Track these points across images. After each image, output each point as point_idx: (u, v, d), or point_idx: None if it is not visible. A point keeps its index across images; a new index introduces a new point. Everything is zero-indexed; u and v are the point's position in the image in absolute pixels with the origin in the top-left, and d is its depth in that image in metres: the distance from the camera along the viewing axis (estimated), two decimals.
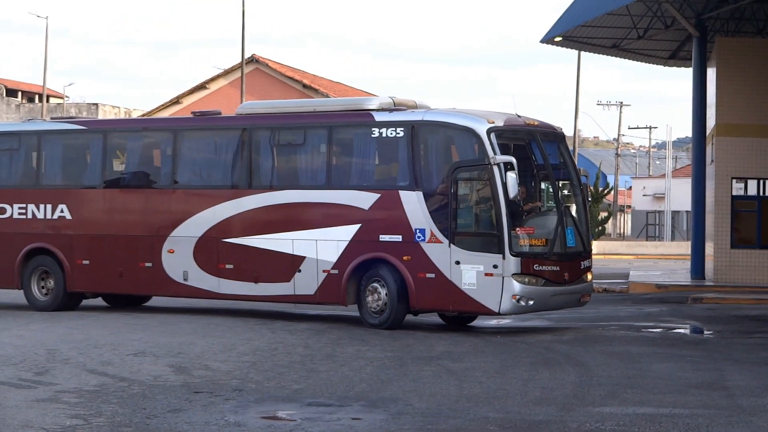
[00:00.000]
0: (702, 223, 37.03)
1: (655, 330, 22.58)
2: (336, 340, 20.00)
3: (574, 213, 21.76)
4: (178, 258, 23.45)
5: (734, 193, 36.43)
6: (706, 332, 22.71)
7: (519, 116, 21.46)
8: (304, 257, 22.01)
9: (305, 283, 22.06)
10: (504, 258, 19.83)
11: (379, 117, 21.46)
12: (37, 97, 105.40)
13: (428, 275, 20.62)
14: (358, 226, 21.42)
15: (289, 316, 23.99)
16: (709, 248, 36.66)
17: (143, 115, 61.13)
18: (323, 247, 21.78)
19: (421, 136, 20.96)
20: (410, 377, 15.85)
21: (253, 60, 60.82)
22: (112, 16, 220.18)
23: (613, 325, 22.89)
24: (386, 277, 21.06)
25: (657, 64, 45.44)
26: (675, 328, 23.08)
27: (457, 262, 20.29)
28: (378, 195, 21.32)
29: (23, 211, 25.25)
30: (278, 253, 22.32)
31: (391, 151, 21.58)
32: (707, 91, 37.15)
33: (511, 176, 19.61)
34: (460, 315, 21.90)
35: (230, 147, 23.49)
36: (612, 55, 43.38)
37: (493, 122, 20.44)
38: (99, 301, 26.07)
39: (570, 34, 39.30)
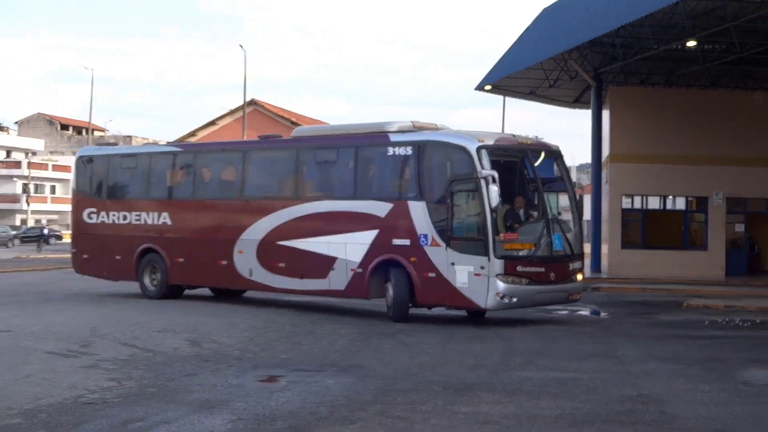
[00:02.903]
0: (599, 229, 37.20)
1: (562, 312, 22.52)
2: (316, 320, 19.89)
3: (568, 221, 19.92)
4: (245, 257, 22.49)
5: (624, 206, 36.66)
6: (602, 313, 22.71)
7: (514, 136, 19.86)
8: (336, 258, 20.64)
9: (337, 280, 20.68)
10: (489, 260, 18.18)
11: (393, 138, 20.07)
12: (84, 130, 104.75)
13: (430, 275, 19.00)
14: (377, 231, 19.95)
15: (279, 302, 23.86)
16: (605, 249, 36.81)
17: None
18: (351, 249, 20.40)
19: (425, 154, 19.42)
20: (373, 349, 15.75)
21: (252, 102, 60.75)
22: (146, 68, 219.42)
23: (530, 308, 22.81)
24: (393, 276, 19.61)
25: (564, 106, 45.66)
26: (578, 311, 23.03)
27: (453, 264, 18.64)
28: (392, 205, 19.80)
29: (138, 217, 24.88)
30: (317, 254, 21.00)
31: (402, 167, 19.93)
32: (603, 127, 37.35)
33: (493, 188, 17.97)
34: (457, 309, 19.99)
35: (284, 164, 22.39)
36: (530, 100, 43.56)
37: (483, 141, 18.74)
38: (204, 291, 25.56)
39: (497, 84, 39.48)
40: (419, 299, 19.43)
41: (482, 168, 18.37)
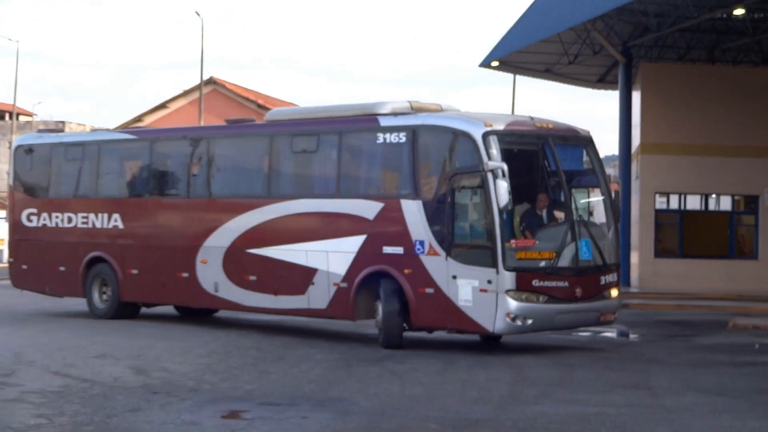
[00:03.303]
0: (627, 234, 37.20)
1: (584, 334, 22.52)
2: (286, 343, 19.86)
3: (600, 224, 19.44)
4: (210, 269, 21.97)
5: (657, 206, 36.74)
6: (631, 336, 22.73)
7: (532, 119, 19.20)
8: (317, 269, 20.12)
9: (318, 296, 20.13)
10: (498, 273, 17.56)
11: (384, 122, 19.47)
12: (7, 115, 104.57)
13: (427, 290, 18.44)
14: (365, 237, 19.44)
15: (242, 321, 23.81)
16: (635, 258, 36.85)
17: None
18: (333, 258, 19.85)
19: (421, 142, 18.89)
20: (356, 378, 15.73)
21: (211, 81, 60.66)
22: (82, 41, 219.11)
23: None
24: (382, 293, 19.03)
25: (586, 87, 45.73)
26: (603, 332, 23.05)
27: (454, 277, 18.07)
28: (382, 204, 19.29)
29: (86, 220, 24.45)
30: (294, 265, 20.47)
31: (395, 158, 19.38)
32: (632, 112, 37.42)
33: (501, 184, 17.33)
34: (459, 332, 19.42)
35: (254, 155, 22.00)
36: (545, 79, 43.60)
37: (491, 125, 18.12)
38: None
39: (506, 59, 39.49)
40: (414, 320, 18.90)
41: (489, 159, 17.81)
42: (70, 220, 24.82)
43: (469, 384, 15.21)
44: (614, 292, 19.12)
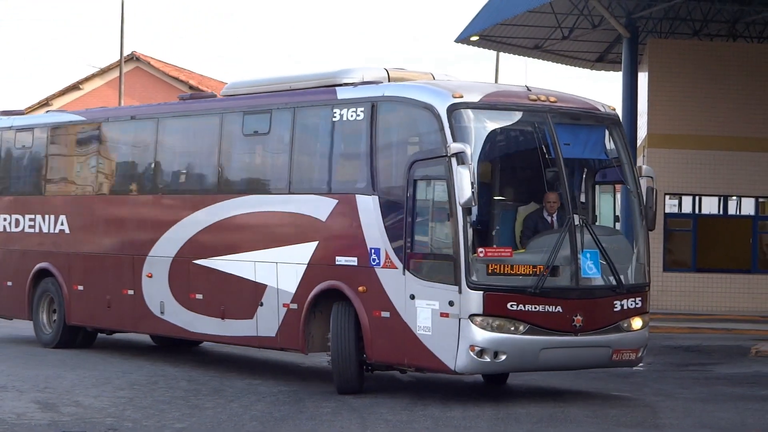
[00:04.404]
0: None
1: None
2: (224, 373, 19.88)
3: (617, 234, 18.14)
4: (155, 284, 21.07)
5: (667, 210, 36.85)
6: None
7: (528, 89, 17.39)
8: (266, 286, 18.86)
9: (267, 321, 18.84)
10: (460, 291, 15.84)
11: (342, 94, 18.13)
12: None
13: (383, 314, 16.84)
14: (316, 243, 18.10)
15: (168, 346, 23.72)
16: None
17: None
18: (283, 272, 18.60)
19: (380, 119, 17.39)
20: (307, 415, 15.75)
21: (133, 58, 60.50)
22: None
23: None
24: (332, 317, 17.50)
25: (583, 67, 45.85)
26: None
27: (412, 297, 16.44)
28: (335, 201, 17.90)
29: (33, 223, 23.82)
30: (242, 280, 19.34)
31: (352, 141, 18.12)
32: (638, 97, 37.52)
33: (463, 173, 15.63)
34: (419, 371, 17.73)
35: (205, 139, 20.89)
36: (534, 57, 43.69)
37: (461, 96, 16.45)
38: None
39: (487, 33, 39.51)
40: (369, 354, 17.19)
41: (455, 140, 16.10)
42: (17, 223, 24.27)
43: (443, 422, 15.23)
44: (636, 323, 17.13)
